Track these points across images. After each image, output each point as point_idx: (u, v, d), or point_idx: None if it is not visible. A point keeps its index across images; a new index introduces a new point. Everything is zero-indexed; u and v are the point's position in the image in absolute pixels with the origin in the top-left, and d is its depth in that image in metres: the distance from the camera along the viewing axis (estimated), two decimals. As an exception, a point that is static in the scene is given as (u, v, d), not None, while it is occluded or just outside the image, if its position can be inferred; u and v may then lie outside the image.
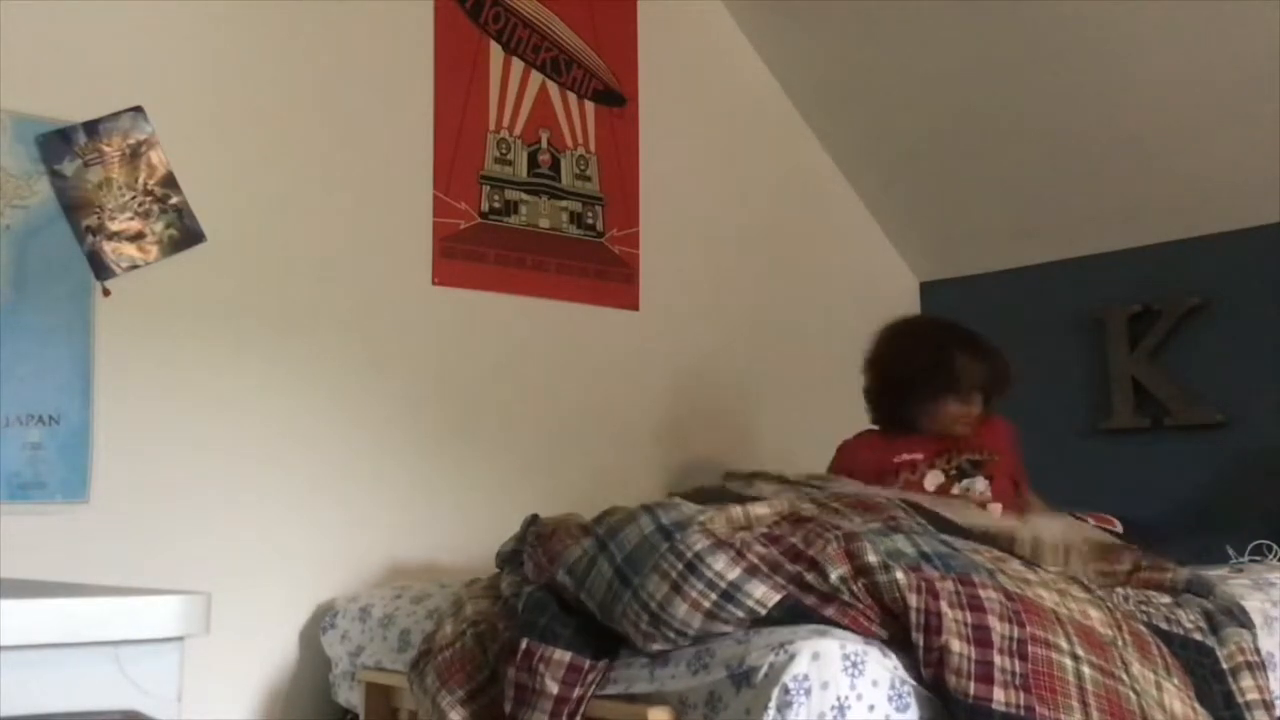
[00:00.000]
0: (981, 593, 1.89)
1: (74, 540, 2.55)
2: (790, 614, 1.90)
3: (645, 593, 1.93)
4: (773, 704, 1.74)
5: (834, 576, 1.90)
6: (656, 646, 1.96)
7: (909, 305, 4.24)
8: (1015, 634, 1.84)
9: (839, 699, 1.77)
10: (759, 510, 2.14)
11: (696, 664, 1.90)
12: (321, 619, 2.83)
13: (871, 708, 1.79)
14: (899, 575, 1.88)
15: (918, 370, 3.01)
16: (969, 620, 1.84)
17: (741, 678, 1.81)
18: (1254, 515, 3.31)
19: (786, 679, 1.75)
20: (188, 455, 2.74)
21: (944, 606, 1.84)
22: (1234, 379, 3.53)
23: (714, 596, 1.90)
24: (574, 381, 3.43)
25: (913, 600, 1.85)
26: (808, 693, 1.75)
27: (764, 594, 1.90)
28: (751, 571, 1.92)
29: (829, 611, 1.89)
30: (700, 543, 1.95)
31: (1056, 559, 2.25)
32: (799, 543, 1.98)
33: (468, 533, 3.12)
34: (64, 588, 1.57)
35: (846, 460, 3.09)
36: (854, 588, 1.89)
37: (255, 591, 2.78)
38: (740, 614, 1.90)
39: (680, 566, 1.92)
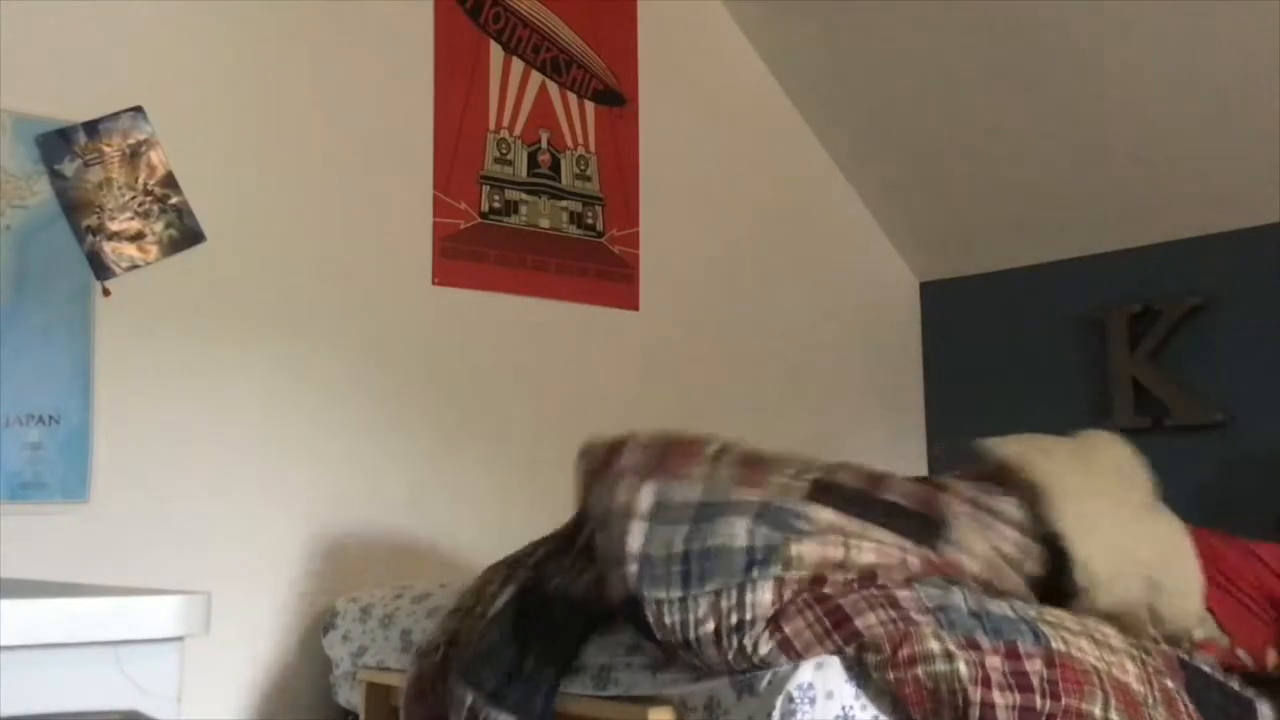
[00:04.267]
0: (1027, 665, 1.83)
1: (74, 540, 2.55)
2: None
3: (688, 609, 1.85)
4: (776, 712, 1.74)
5: (873, 662, 1.81)
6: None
7: (909, 305, 4.24)
8: (1049, 708, 1.80)
9: (843, 709, 1.77)
10: (865, 558, 1.97)
11: (698, 669, 1.89)
12: (322, 619, 2.82)
13: (876, 718, 1.79)
14: (961, 667, 1.79)
15: None
16: (1017, 703, 1.79)
17: (744, 685, 1.81)
18: (1254, 515, 3.30)
19: (790, 687, 1.75)
20: (188, 455, 2.74)
21: (995, 695, 1.78)
22: (1234, 379, 3.53)
23: (742, 663, 1.83)
24: (574, 381, 3.42)
25: (975, 695, 1.77)
26: (812, 701, 1.75)
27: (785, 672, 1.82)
28: (784, 647, 1.83)
29: None
30: (765, 594, 1.86)
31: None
32: (848, 608, 1.86)
33: (468, 532, 3.13)
34: (64, 588, 1.57)
35: None
36: (893, 675, 1.79)
37: (255, 591, 2.79)
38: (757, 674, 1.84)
39: (733, 619, 1.83)
